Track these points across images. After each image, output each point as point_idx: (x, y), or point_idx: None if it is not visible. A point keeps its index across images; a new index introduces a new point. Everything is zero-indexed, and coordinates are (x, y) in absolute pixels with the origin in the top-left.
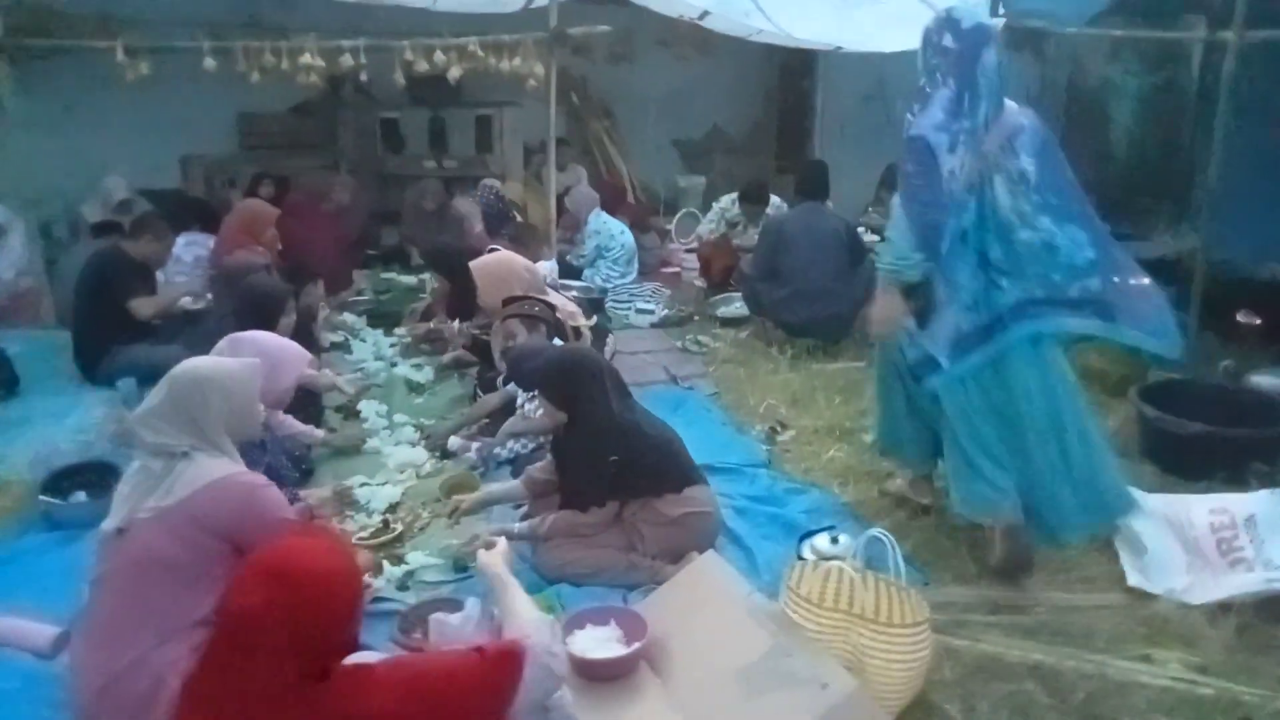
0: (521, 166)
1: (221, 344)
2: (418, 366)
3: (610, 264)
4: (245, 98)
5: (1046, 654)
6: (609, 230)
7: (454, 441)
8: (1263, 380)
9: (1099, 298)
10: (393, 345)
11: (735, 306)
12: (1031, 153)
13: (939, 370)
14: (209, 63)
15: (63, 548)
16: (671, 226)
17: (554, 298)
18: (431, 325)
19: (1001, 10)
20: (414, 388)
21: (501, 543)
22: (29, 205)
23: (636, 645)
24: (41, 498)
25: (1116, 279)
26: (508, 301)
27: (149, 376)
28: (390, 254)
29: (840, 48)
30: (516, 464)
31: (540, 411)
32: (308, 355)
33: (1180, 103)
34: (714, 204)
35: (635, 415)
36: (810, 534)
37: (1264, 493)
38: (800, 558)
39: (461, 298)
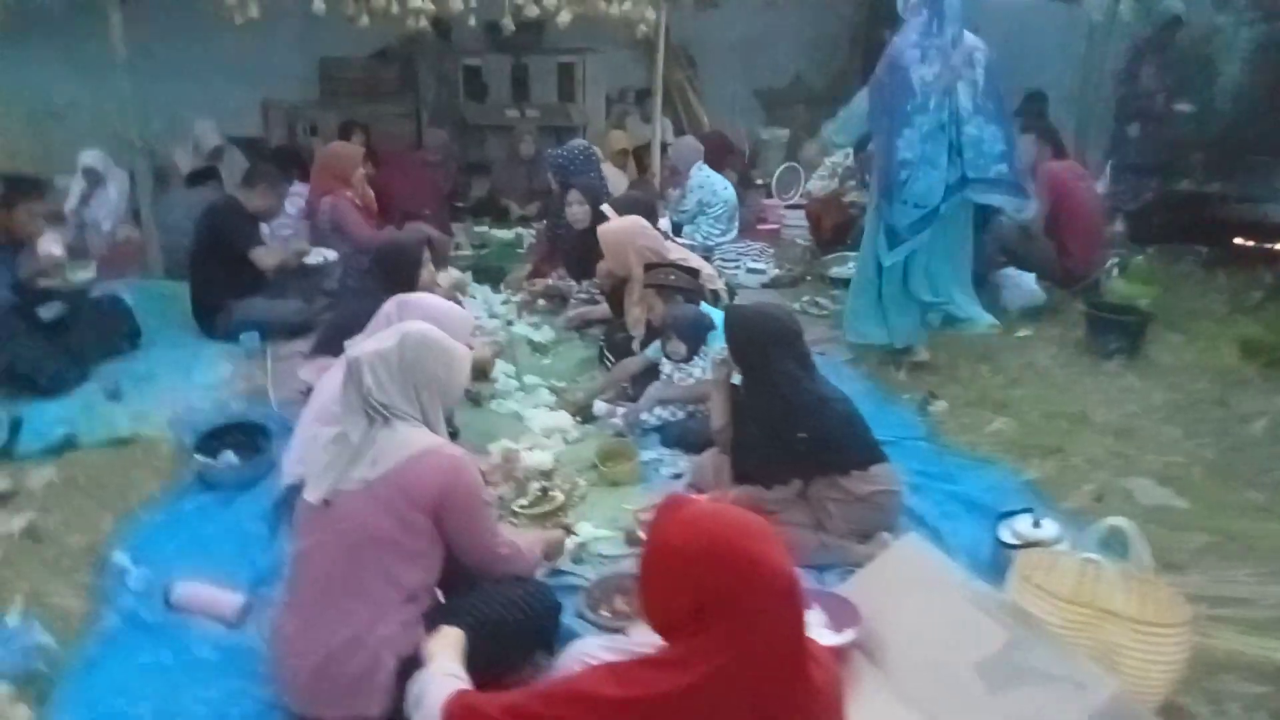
0: (603, 116)
1: (388, 306)
2: (535, 325)
3: (712, 221)
4: (325, 42)
5: None
6: (711, 185)
7: (599, 406)
8: None
9: (1005, 178)
10: (504, 303)
11: (850, 266)
12: (983, 67)
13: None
14: (318, 5)
15: (223, 510)
16: (772, 181)
17: (694, 260)
18: (550, 282)
19: None
20: (537, 348)
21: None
22: (133, 152)
23: (850, 632)
24: (197, 458)
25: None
26: (648, 268)
27: (269, 331)
28: (481, 206)
29: None
30: (664, 431)
31: (692, 379)
32: (473, 320)
33: None
34: (826, 159)
35: (822, 385)
36: (1007, 515)
37: None
38: (1002, 542)
39: (584, 255)
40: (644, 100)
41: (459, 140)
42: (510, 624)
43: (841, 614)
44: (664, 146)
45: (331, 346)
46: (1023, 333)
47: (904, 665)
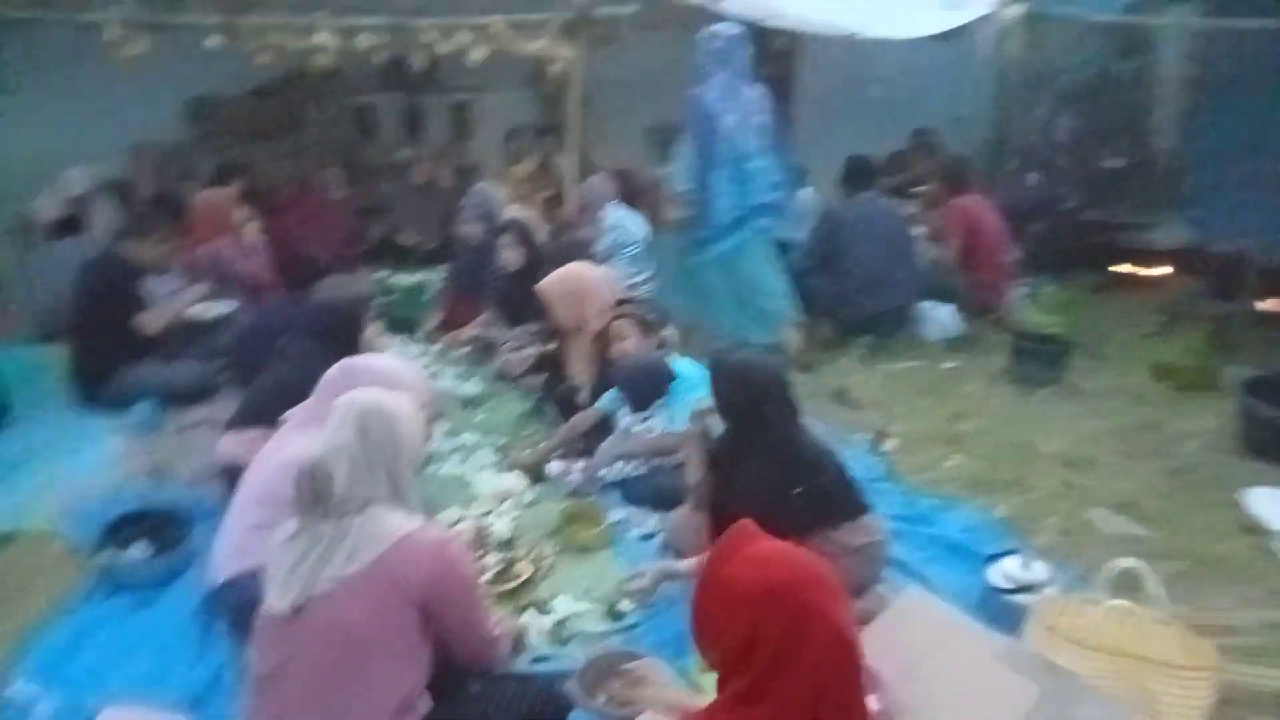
0: (499, 155)
1: (332, 373)
2: (461, 378)
3: (629, 261)
4: (197, 80)
5: None
6: (625, 225)
7: (553, 465)
8: None
9: (779, 204)
10: (422, 355)
11: None
12: (764, 112)
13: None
14: (213, 40)
15: (140, 613)
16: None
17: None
18: (476, 332)
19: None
20: (468, 402)
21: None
22: None
23: (873, 699)
24: (104, 554)
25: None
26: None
27: (165, 397)
28: (377, 251)
29: (854, 34)
30: (627, 487)
31: (654, 431)
32: (428, 382)
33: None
34: None
35: (810, 436)
36: (993, 557)
37: None
38: (994, 587)
39: (519, 300)
40: (541, 138)
41: (350, 183)
42: None
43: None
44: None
45: (261, 415)
46: (949, 364)
47: None
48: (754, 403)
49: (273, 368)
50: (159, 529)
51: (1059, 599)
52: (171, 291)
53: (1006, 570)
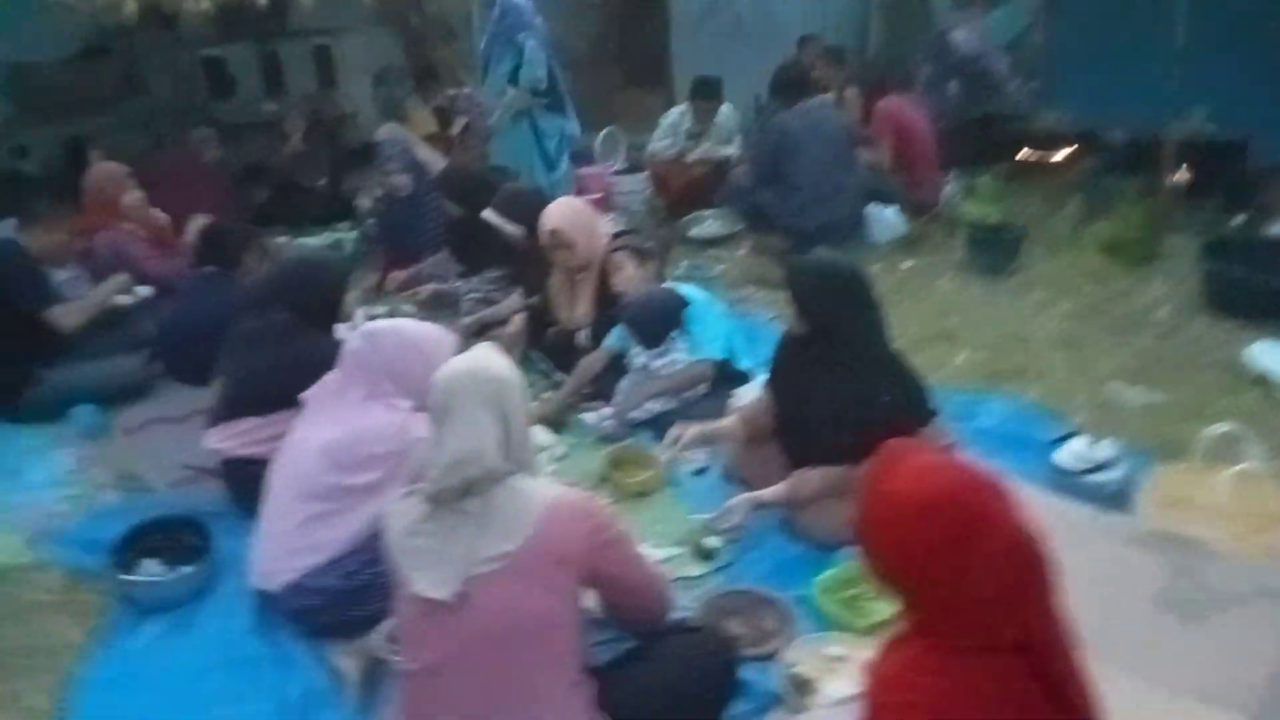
0: (370, 101)
1: (357, 344)
2: None
3: None
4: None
5: None
6: None
7: (589, 416)
8: None
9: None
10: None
11: (709, 224)
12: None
13: None
14: None
15: (182, 636)
16: (595, 148)
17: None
18: (435, 287)
19: None
20: None
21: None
22: None
23: None
24: (121, 579)
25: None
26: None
27: (100, 400)
28: (267, 214)
29: None
30: (659, 424)
31: (679, 364)
32: (453, 338)
33: None
34: (661, 119)
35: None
36: (1056, 442)
37: None
38: (1064, 469)
39: (478, 245)
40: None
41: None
42: (691, 694)
43: None
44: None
45: (252, 404)
46: (906, 264)
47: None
48: (843, 304)
49: (248, 351)
50: (169, 543)
51: (1166, 471)
52: (70, 282)
53: (1075, 451)
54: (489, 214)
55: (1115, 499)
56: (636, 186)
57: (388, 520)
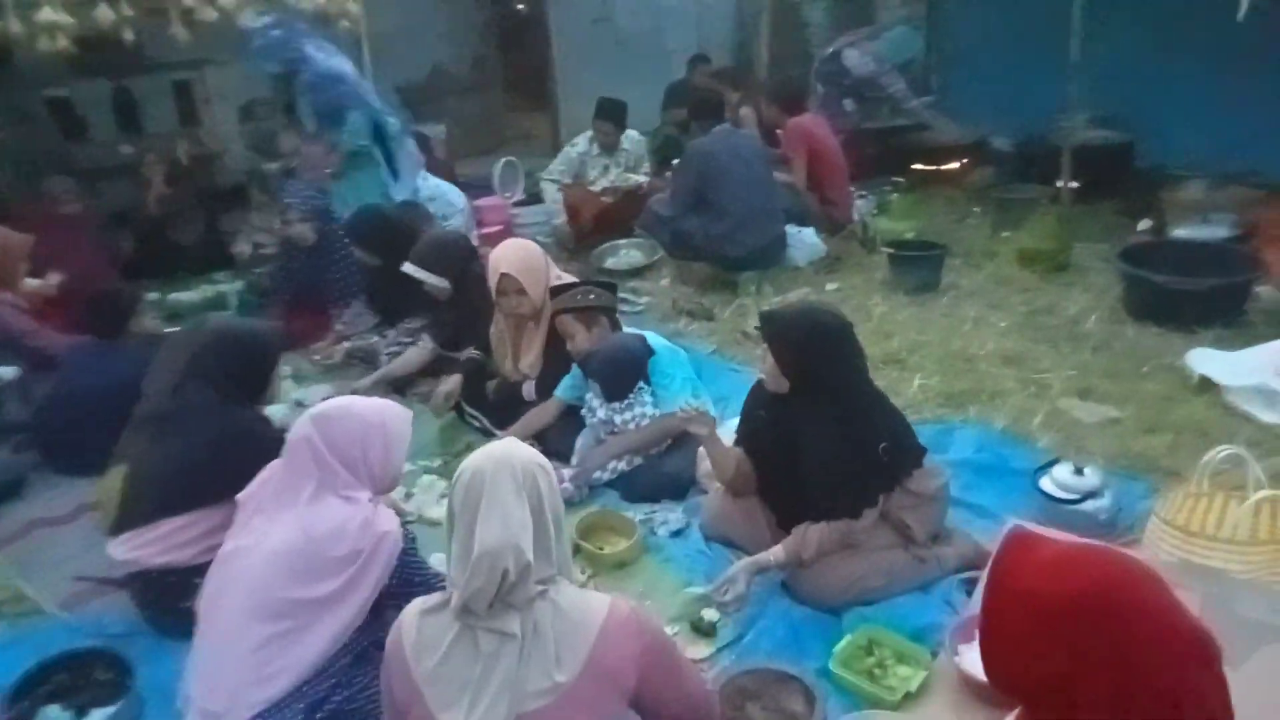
0: (238, 138)
1: (305, 429)
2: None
3: None
4: None
5: None
6: (445, 195)
7: None
8: (1186, 232)
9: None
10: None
11: (626, 254)
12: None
13: None
14: None
15: None
16: (494, 179)
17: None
18: (351, 343)
19: None
20: None
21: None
22: None
23: None
24: None
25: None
26: (554, 292)
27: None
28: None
29: None
30: (626, 484)
31: (646, 418)
32: (409, 413)
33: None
34: (562, 151)
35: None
36: (1040, 471)
37: None
38: (1052, 498)
39: (400, 294)
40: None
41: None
42: None
43: None
44: None
45: (171, 503)
46: (832, 286)
47: None
48: (831, 355)
49: (161, 438)
50: (77, 681)
51: (1173, 499)
52: None
53: (1060, 479)
54: (409, 267)
55: (1106, 527)
56: (539, 218)
57: (402, 640)
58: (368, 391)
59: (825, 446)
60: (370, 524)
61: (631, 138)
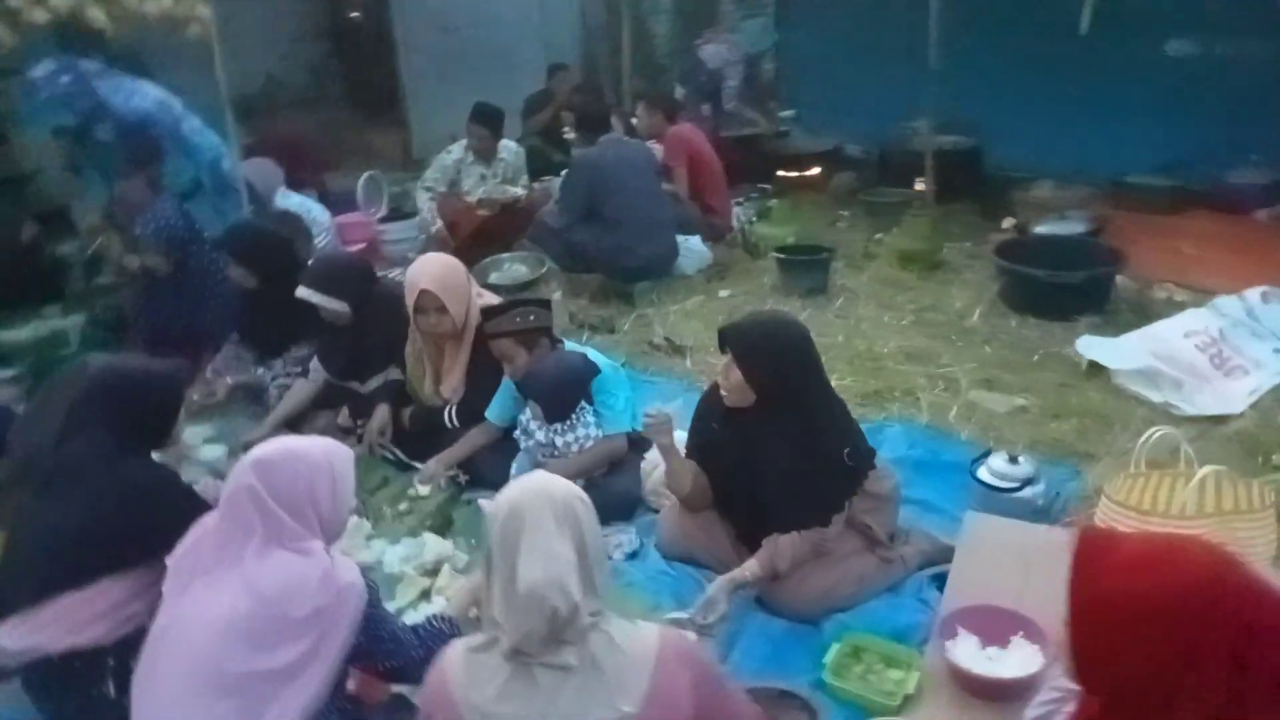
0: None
1: (241, 475)
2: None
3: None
4: None
5: None
6: (310, 213)
7: (485, 505)
8: (1047, 229)
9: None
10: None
11: (511, 269)
12: None
13: None
14: None
15: None
16: (358, 194)
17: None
18: (236, 379)
19: None
20: None
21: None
22: None
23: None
24: None
25: None
26: (487, 315)
27: None
28: None
29: None
30: None
31: (590, 440)
32: (351, 452)
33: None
34: (436, 158)
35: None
36: (976, 462)
37: (1219, 302)
38: (991, 487)
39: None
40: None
41: None
42: None
43: (1013, 625)
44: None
45: (71, 575)
46: (724, 293)
47: None
48: (799, 365)
49: (51, 499)
50: None
51: (1117, 478)
52: None
53: (996, 469)
54: (305, 292)
55: (1043, 512)
56: (408, 233)
57: (447, 681)
58: (265, 438)
59: (792, 457)
60: (330, 577)
61: (510, 148)
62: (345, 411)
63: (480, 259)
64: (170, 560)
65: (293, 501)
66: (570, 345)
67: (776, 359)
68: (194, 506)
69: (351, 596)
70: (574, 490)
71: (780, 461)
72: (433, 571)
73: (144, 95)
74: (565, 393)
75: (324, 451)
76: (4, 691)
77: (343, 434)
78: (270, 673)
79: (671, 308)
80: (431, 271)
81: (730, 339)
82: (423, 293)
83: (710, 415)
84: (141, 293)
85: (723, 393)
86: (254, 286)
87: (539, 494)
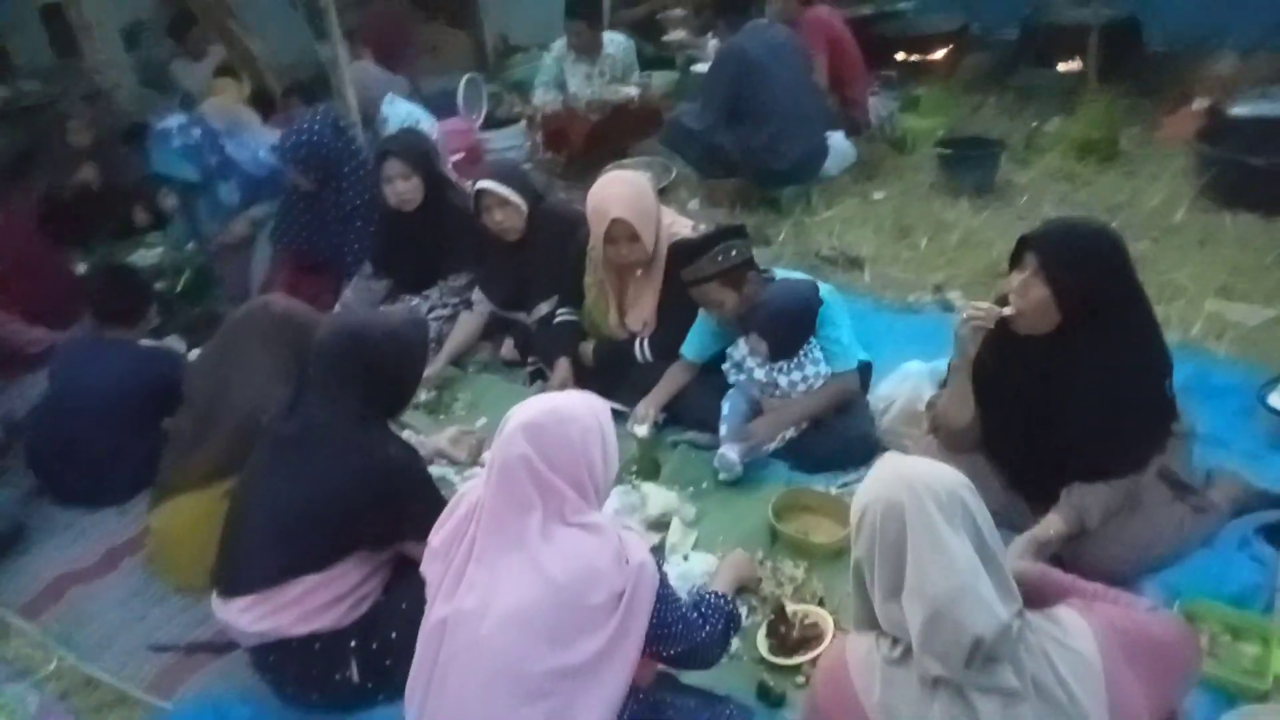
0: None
1: (513, 444)
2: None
3: None
4: None
5: None
6: (416, 119)
7: (728, 454)
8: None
9: None
10: None
11: None
12: None
13: None
14: None
15: None
16: (459, 100)
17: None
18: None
19: None
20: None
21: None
22: None
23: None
24: None
25: None
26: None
27: None
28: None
29: None
30: (795, 452)
31: (820, 378)
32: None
33: None
34: (544, 54)
35: None
36: (1266, 387)
37: None
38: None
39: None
40: (186, 35)
41: None
42: None
43: None
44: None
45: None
46: (878, 195)
47: None
48: (1118, 276)
49: (270, 475)
50: None
51: None
52: None
53: None
54: (487, 183)
55: None
56: (513, 141)
57: (862, 692)
58: (436, 376)
59: (1106, 391)
60: (623, 553)
61: (617, 41)
62: (509, 343)
63: (594, 170)
64: (434, 543)
65: (571, 469)
66: (780, 272)
67: (1095, 270)
68: (434, 486)
69: (646, 577)
70: (955, 476)
71: (1091, 397)
72: (659, 525)
73: (262, 136)
74: (795, 328)
75: (589, 409)
76: (223, 674)
77: (508, 369)
78: (572, 669)
79: (825, 214)
80: (622, 195)
81: (1037, 246)
82: (615, 221)
83: (1008, 346)
84: (283, 213)
85: (1011, 314)
86: (418, 203)
87: (917, 488)
